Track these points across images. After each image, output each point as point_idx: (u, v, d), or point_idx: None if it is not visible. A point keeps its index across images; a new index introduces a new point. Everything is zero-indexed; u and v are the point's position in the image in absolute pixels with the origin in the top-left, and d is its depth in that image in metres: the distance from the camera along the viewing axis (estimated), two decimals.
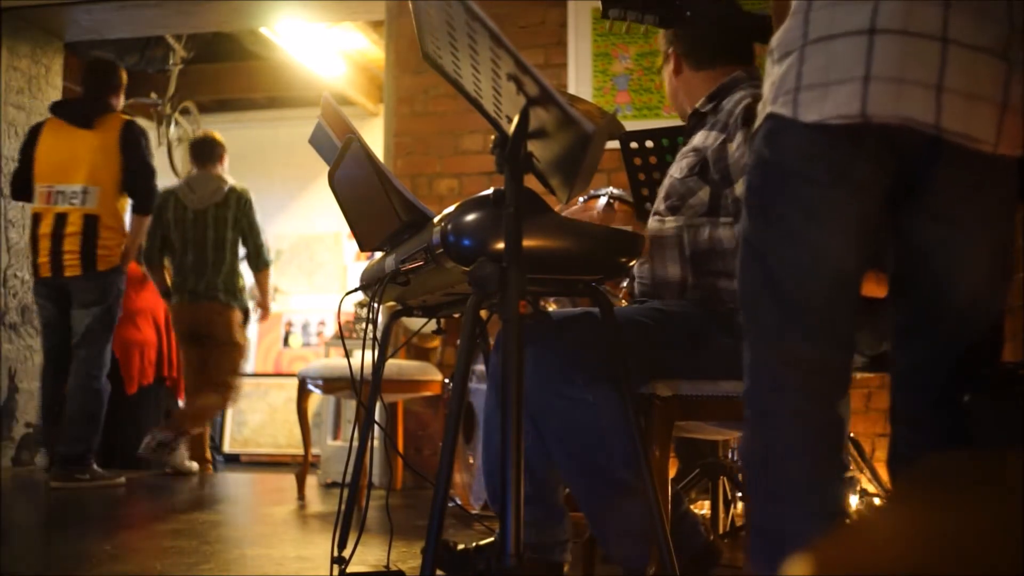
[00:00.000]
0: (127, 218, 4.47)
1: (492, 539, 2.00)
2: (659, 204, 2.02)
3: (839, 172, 1.28)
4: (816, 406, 1.31)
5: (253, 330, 8.33)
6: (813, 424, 1.30)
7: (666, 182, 2.03)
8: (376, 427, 1.97)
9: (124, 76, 4.70)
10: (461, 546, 2.00)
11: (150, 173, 4.45)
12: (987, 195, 1.31)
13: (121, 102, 4.62)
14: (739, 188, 1.87)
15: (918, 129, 1.23)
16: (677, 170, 2.00)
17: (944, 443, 1.34)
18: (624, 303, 2.20)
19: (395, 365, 3.86)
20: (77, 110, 4.39)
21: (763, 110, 1.33)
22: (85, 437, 4.23)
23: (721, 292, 1.88)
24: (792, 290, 1.30)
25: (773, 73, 1.32)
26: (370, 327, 1.87)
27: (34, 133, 4.44)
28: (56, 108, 4.49)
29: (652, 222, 1.99)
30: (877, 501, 2.97)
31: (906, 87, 1.22)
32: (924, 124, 1.22)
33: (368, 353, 1.88)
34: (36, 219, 4.33)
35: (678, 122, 2.24)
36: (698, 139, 1.99)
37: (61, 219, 4.24)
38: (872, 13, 1.23)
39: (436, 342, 4.35)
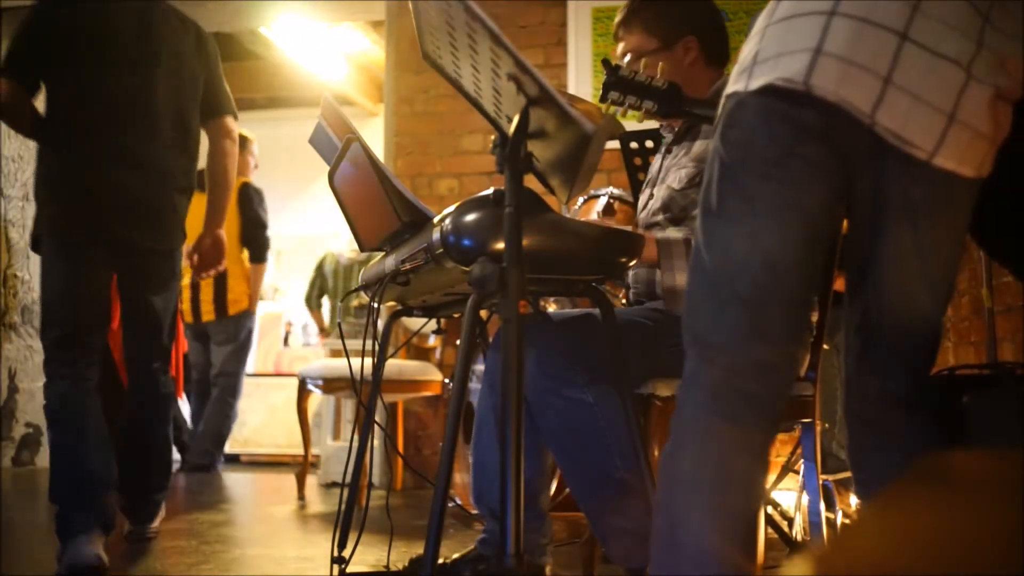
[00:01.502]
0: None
1: (469, 549, 1.99)
2: (656, 216, 1.99)
3: (782, 148, 1.22)
4: (718, 403, 1.24)
5: (253, 330, 8.34)
6: (713, 422, 1.23)
7: (661, 192, 2.01)
8: (376, 427, 1.97)
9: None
10: (440, 560, 1.99)
11: (263, 228, 5.25)
12: (922, 205, 1.25)
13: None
14: None
15: (854, 117, 1.20)
16: (675, 181, 1.97)
17: (893, 443, 1.33)
18: (624, 303, 2.20)
19: (395, 365, 3.86)
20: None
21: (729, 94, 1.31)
22: (215, 450, 5.37)
23: None
24: (725, 285, 1.24)
25: (740, 59, 1.31)
26: (370, 327, 1.88)
27: None
28: None
29: (654, 231, 1.97)
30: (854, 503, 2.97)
31: (852, 69, 1.19)
32: (859, 111, 1.19)
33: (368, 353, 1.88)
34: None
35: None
36: (698, 148, 1.97)
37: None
38: (835, 1, 1.21)
39: (436, 342, 4.35)
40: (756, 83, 1.23)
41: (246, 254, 5.27)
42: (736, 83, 1.28)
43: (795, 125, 1.22)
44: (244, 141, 5.33)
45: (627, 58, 2.08)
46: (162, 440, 2.87)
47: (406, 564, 2.05)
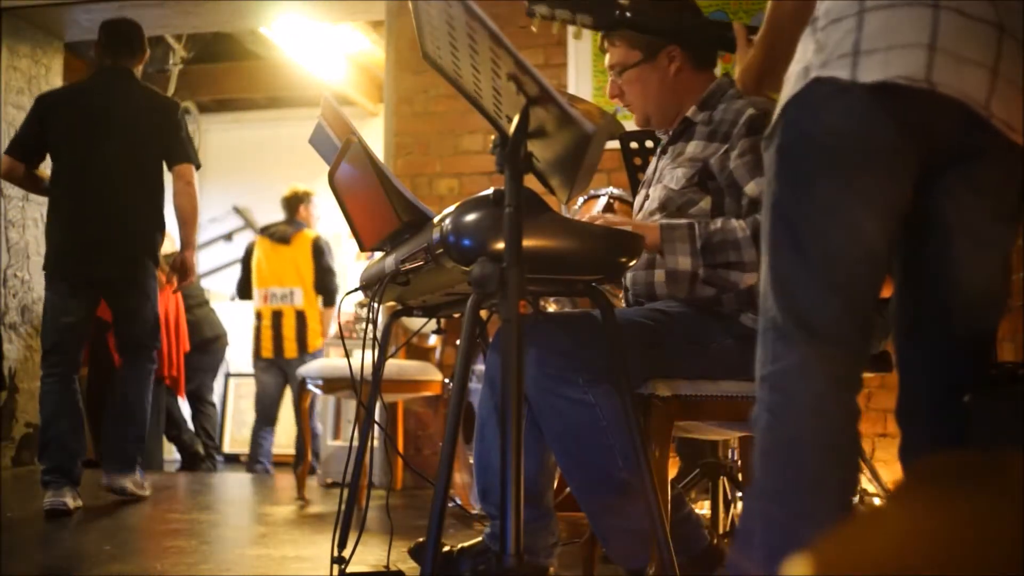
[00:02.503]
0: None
1: (477, 540, 2.00)
2: (653, 216, 1.98)
3: (888, 143, 1.23)
4: (840, 393, 1.26)
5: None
6: (839, 412, 1.25)
7: (657, 193, 2.00)
8: (376, 427, 1.97)
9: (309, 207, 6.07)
10: (446, 547, 1.99)
11: (333, 276, 5.86)
12: (1010, 188, 1.29)
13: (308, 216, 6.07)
14: (751, 189, 1.87)
15: (972, 111, 1.21)
16: (672, 180, 1.97)
17: (949, 441, 1.33)
18: (623, 305, 2.20)
19: (395, 365, 3.86)
20: (279, 232, 5.86)
21: (802, 76, 1.26)
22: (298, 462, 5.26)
23: (734, 286, 1.86)
24: (824, 267, 1.25)
25: (818, 39, 1.26)
26: (370, 327, 1.87)
27: (249, 250, 6.05)
28: (263, 230, 5.99)
29: (661, 221, 1.97)
30: (877, 501, 2.96)
31: (965, 66, 1.20)
32: (978, 104, 1.20)
33: (368, 353, 1.88)
34: (259, 314, 5.81)
35: None
36: (693, 148, 1.97)
37: (278, 314, 5.73)
38: None
39: (436, 342, 4.35)
40: (869, 76, 1.20)
41: (320, 299, 5.86)
42: (832, 68, 1.23)
43: (903, 120, 1.23)
44: (307, 196, 6.06)
45: (613, 72, 2.09)
46: (137, 401, 3.72)
47: (410, 546, 2.05)
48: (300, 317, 5.72)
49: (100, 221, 3.62)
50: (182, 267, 3.77)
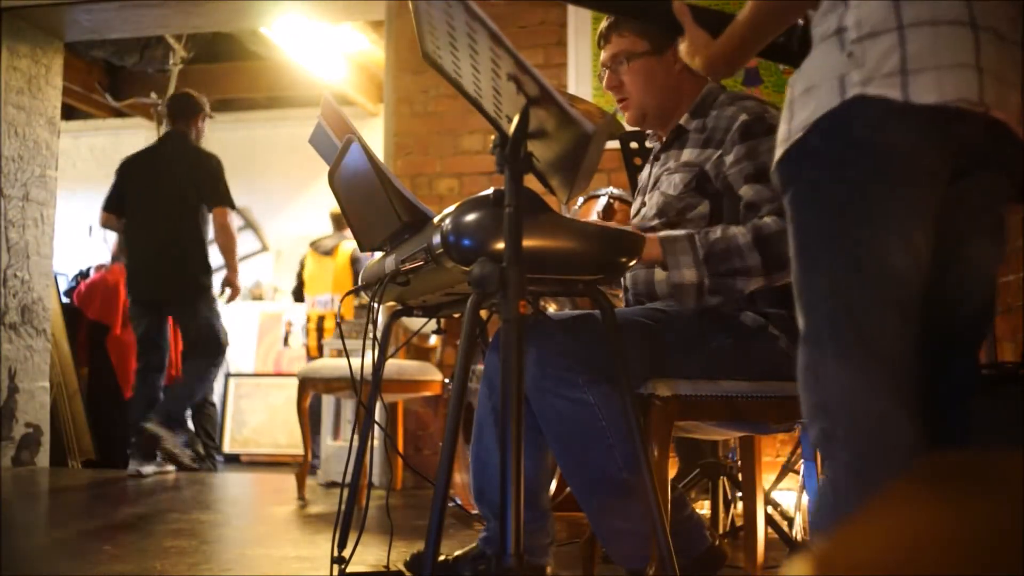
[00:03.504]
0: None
1: (471, 547, 1.99)
2: (651, 221, 1.98)
3: (937, 159, 1.22)
4: (902, 410, 1.21)
5: (253, 330, 8.34)
6: (905, 432, 1.20)
7: (655, 199, 2.00)
8: (376, 427, 1.97)
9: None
10: (442, 557, 1.99)
11: None
12: (1009, 192, 1.31)
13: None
14: (746, 192, 1.86)
15: (1010, 131, 1.22)
16: (669, 187, 1.96)
17: (953, 442, 1.33)
18: (622, 305, 2.20)
19: (395, 365, 3.86)
20: (323, 245, 6.38)
21: (836, 90, 1.22)
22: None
23: (738, 292, 1.84)
24: (883, 284, 1.21)
25: (852, 52, 1.22)
26: (370, 327, 1.87)
27: (302, 261, 6.63)
28: (312, 243, 6.49)
29: (660, 233, 1.96)
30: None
31: (1005, 87, 1.20)
32: (1017, 124, 1.22)
33: (368, 353, 1.88)
34: (307, 318, 6.42)
35: None
36: (688, 155, 1.97)
37: (321, 318, 6.26)
38: (968, 8, 1.20)
39: (436, 342, 4.35)
40: (924, 97, 1.18)
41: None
42: (881, 87, 1.19)
43: (951, 138, 1.22)
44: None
45: (613, 64, 2.07)
46: (187, 384, 4.84)
47: (407, 559, 2.05)
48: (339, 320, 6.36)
49: (156, 252, 4.73)
50: (230, 286, 4.92)
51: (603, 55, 2.09)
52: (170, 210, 4.72)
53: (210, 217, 4.81)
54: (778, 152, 1.29)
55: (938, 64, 1.18)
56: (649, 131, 2.16)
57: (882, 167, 1.21)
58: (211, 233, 4.85)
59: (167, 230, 4.71)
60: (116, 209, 4.86)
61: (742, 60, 1.49)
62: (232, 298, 4.95)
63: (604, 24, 2.08)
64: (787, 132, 1.27)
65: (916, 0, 1.20)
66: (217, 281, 4.92)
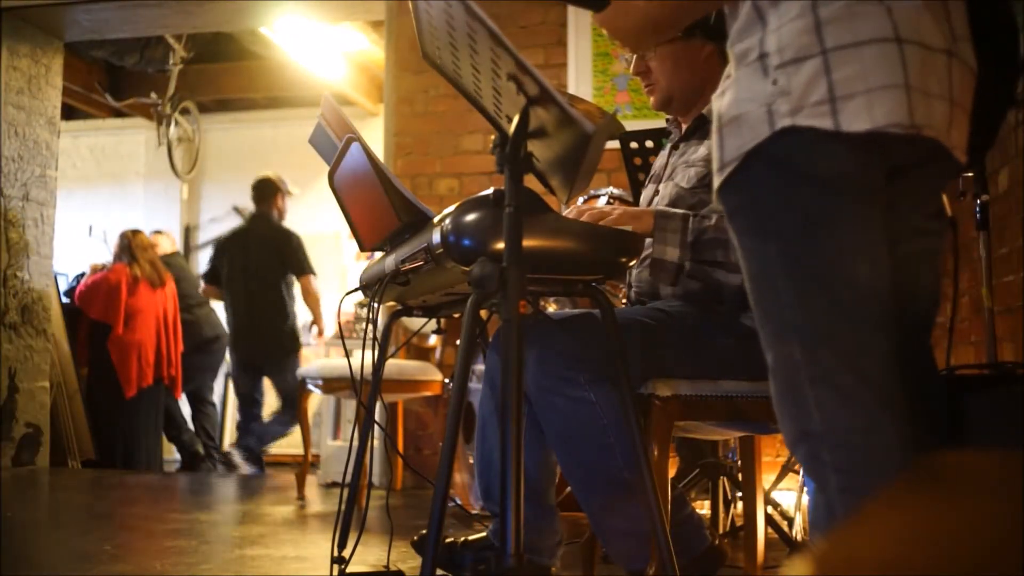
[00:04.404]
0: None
1: (481, 534, 2.00)
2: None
3: (879, 177, 1.22)
4: (904, 428, 1.20)
5: None
6: (908, 456, 1.19)
7: (668, 190, 2.00)
8: (376, 427, 1.97)
9: None
10: (449, 539, 1.99)
11: None
12: (940, 190, 1.34)
13: None
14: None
15: (941, 145, 1.21)
16: (684, 179, 1.96)
17: (942, 436, 1.34)
18: (624, 304, 2.20)
19: (395, 365, 3.86)
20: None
21: (763, 122, 1.20)
22: None
23: (718, 284, 1.85)
24: (861, 308, 1.20)
25: (776, 80, 1.20)
26: (370, 327, 1.87)
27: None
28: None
29: (658, 208, 1.96)
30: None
31: (933, 101, 1.19)
32: (945, 138, 1.21)
33: (368, 353, 1.88)
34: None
35: None
36: (707, 148, 1.95)
37: None
38: (892, 22, 1.18)
39: (436, 342, 4.35)
40: (855, 125, 1.16)
41: None
42: (810, 117, 1.17)
43: (884, 158, 1.21)
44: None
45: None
46: (258, 441, 5.94)
47: (414, 538, 2.05)
48: None
49: (252, 323, 5.68)
50: (317, 327, 5.93)
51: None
52: (261, 283, 5.64)
53: (293, 282, 5.79)
54: (716, 180, 1.27)
55: (867, 88, 1.16)
56: (669, 117, 2.15)
57: (826, 191, 1.20)
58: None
59: (260, 302, 5.65)
60: (215, 282, 5.83)
61: (664, 35, 1.47)
62: (320, 335, 6.00)
63: None
64: (720, 160, 1.25)
65: (836, 21, 1.18)
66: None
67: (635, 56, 2.08)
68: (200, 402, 6.38)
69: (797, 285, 1.21)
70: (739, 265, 1.79)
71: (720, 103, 1.27)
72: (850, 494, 1.19)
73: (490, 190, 1.47)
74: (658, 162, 2.16)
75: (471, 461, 3.48)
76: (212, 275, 5.87)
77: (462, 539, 1.99)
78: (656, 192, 2.07)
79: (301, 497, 4.03)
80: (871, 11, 1.18)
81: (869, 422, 1.19)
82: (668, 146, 2.14)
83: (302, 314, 6.01)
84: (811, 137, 1.18)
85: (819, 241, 1.20)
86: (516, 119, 1.30)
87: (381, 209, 1.73)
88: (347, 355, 1.89)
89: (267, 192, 5.79)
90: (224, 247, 5.85)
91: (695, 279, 1.85)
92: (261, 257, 5.66)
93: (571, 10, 4.40)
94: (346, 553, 1.94)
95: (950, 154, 1.23)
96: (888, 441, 1.18)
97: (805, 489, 2.54)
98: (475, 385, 3.38)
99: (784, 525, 2.76)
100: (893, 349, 1.21)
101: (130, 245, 5.68)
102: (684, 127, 2.09)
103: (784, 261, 1.22)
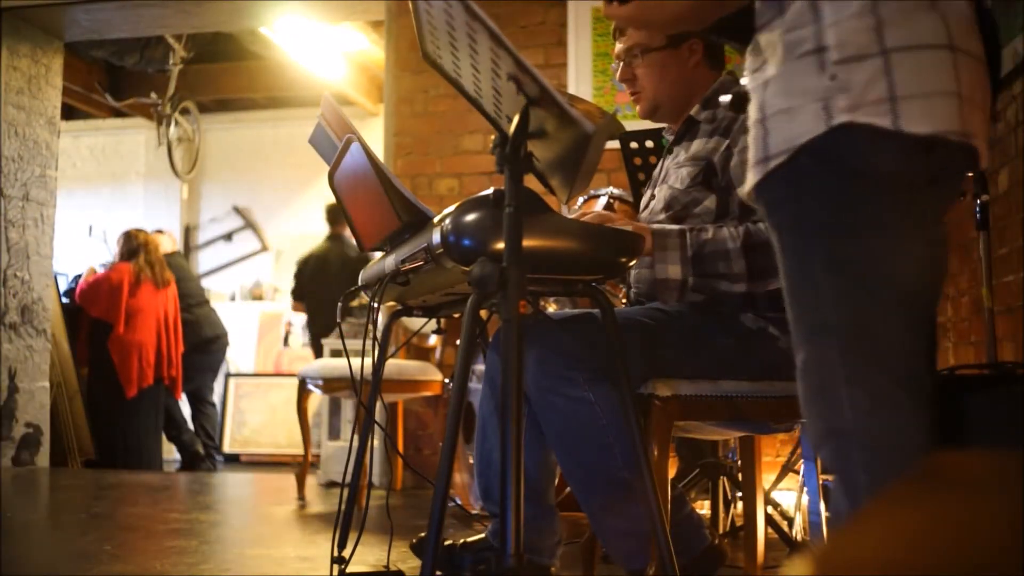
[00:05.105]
0: None
1: (480, 536, 2.00)
2: (658, 215, 1.97)
3: (925, 180, 1.24)
4: (931, 430, 1.22)
5: (253, 330, 8.34)
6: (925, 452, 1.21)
7: (663, 192, 2.00)
8: (376, 427, 1.97)
9: None
10: (448, 541, 2.00)
11: None
12: (959, 192, 1.38)
13: None
14: (744, 190, 1.86)
15: (976, 153, 1.24)
16: (677, 180, 1.96)
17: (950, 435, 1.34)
18: (624, 303, 2.20)
19: (395, 365, 3.86)
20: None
21: (820, 116, 1.20)
22: None
23: (721, 296, 1.86)
24: (902, 307, 1.21)
25: (835, 75, 1.19)
26: (370, 327, 1.87)
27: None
28: None
29: (654, 224, 1.96)
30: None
31: (976, 111, 1.21)
32: (981, 149, 1.24)
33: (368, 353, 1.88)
34: None
35: None
36: (697, 147, 1.96)
37: None
38: (947, 29, 1.20)
39: (436, 342, 4.35)
40: (915, 127, 1.17)
41: None
42: (870, 114, 1.18)
43: (933, 161, 1.22)
44: None
45: (627, 57, 2.07)
46: None
47: (412, 541, 2.05)
48: None
49: (328, 331, 5.73)
50: None
51: (617, 47, 2.08)
52: (336, 297, 6.22)
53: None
54: (756, 172, 1.26)
55: (925, 92, 1.18)
56: (663, 124, 2.16)
57: (878, 190, 1.21)
58: None
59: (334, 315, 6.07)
60: (300, 298, 6.35)
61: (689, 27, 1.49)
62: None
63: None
64: (763, 151, 1.24)
65: (898, 20, 1.19)
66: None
67: (621, 64, 2.08)
68: (200, 402, 6.39)
69: (839, 284, 1.21)
70: (741, 275, 1.80)
71: (762, 94, 1.26)
72: (880, 491, 1.19)
73: (490, 190, 1.47)
74: (656, 168, 2.17)
75: (471, 461, 3.48)
76: (297, 292, 6.35)
77: (461, 541, 1.99)
78: (652, 197, 2.07)
79: (301, 497, 4.03)
80: (928, 16, 1.20)
81: (903, 424, 1.19)
82: (664, 151, 2.15)
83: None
84: (869, 135, 1.18)
85: (866, 241, 1.21)
86: (516, 119, 1.30)
87: (381, 209, 1.73)
88: (347, 355, 1.89)
89: (339, 215, 6.09)
90: (304, 267, 6.31)
91: (699, 292, 1.85)
92: (337, 275, 6.06)
93: (571, 10, 4.40)
94: (346, 553, 1.94)
95: (979, 163, 1.26)
96: (919, 443, 1.19)
97: (805, 489, 2.54)
98: (475, 385, 3.38)
99: (784, 525, 2.76)
100: (929, 351, 1.22)
101: (145, 244, 5.67)
102: (676, 131, 2.09)
103: (828, 259, 1.22)
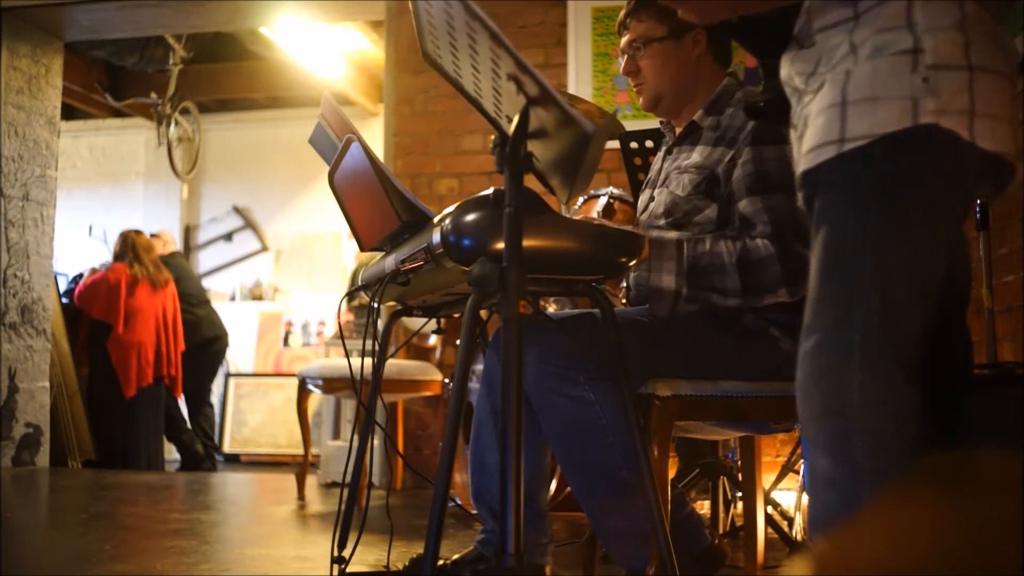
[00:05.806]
0: None
1: (469, 549, 1.99)
2: (658, 220, 1.97)
3: (975, 190, 1.36)
4: (926, 425, 1.26)
5: (253, 330, 8.34)
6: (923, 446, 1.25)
7: (663, 196, 1.99)
8: (376, 427, 1.97)
9: None
10: (440, 562, 1.98)
11: None
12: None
13: None
14: (744, 206, 1.86)
15: (1009, 166, 1.32)
16: (678, 186, 1.95)
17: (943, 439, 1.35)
18: (624, 304, 2.20)
19: (395, 365, 3.86)
20: None
21: (907, 112, 1.25)
22: None
23: (714, 307, 1.85)
24: (925, 305, 1.28)
25: (928, 78, 1.25)
26: (370, 327, 1.88)
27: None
28: None
29: (652, 232, 1.95)
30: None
31: (1018, 133, 1.30)
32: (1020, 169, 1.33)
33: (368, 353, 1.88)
34: None
35: None
36: (699, 154, 1.95)
37: None
38: (1007, 59, 1.29)
39: (436, 342, 4.35)
40: (987, 144, 1.26)
41: None
42: (953, 121, 1.25)
43: (986, 176, 1.32)
44: None
45: (630, 49, 2.07)
46: None
47: (406, 564, 2.05)
48: None
49: None
50: None
51: (622, 42, 2.08)
52: None
53: None
54: (824, 151, 1.29)
55: (993, 114, 1.26)
56: (663, 120, 2.14)
57: (945, 188, 1.28)
58: None
59: None
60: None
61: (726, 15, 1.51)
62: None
63: (623, 12, 2.08)
64: (839, 133, 1.28)
65: (980, 42, 1.27)
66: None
67: (625, 56, 2.08)
68: (199, 402, 6.39)
69: (881, 273, 1.26)
70: (735, 290, 1.81)
71: (846, 82, 1.30)
72: (878, 476, 1.23)
73: (490, 190, 1.47)
74: (653, 167, 2.16)
75: (470, 460, 3.48)
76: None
77: (452, 559, 1.98)
78: (651, 199, 2.06)
79: (301, 497, 4.03)
80: (995, 45, 1.29)
81: (907, 417, 1.23)
82: (663, 150, 2.14)
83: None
84: (950, 139, 1.25)
85: (918, 237, 1.27)
86: (516, 119, 1.30)
87: (381, 209, 1.73)
88: (347, 355, 1.89)
89: None
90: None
91: (693, 303, 1.84)
92: None
93: (571, 10, 4.40)
94: (346, 553, 1.94)
95: (1014, 181, 1.35)
96: (919, 437, 1.23)
97: (805, 489, 2.54)
98: (475, 385, 3.38)
99: (784, 525, 2.76)
100: (925, 353, 1.27)
101: (133, 245, 5.68)
102: (677, 131, 2.08)
103: (876, 246, 1.27)
